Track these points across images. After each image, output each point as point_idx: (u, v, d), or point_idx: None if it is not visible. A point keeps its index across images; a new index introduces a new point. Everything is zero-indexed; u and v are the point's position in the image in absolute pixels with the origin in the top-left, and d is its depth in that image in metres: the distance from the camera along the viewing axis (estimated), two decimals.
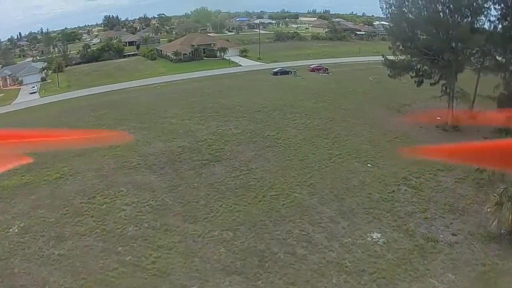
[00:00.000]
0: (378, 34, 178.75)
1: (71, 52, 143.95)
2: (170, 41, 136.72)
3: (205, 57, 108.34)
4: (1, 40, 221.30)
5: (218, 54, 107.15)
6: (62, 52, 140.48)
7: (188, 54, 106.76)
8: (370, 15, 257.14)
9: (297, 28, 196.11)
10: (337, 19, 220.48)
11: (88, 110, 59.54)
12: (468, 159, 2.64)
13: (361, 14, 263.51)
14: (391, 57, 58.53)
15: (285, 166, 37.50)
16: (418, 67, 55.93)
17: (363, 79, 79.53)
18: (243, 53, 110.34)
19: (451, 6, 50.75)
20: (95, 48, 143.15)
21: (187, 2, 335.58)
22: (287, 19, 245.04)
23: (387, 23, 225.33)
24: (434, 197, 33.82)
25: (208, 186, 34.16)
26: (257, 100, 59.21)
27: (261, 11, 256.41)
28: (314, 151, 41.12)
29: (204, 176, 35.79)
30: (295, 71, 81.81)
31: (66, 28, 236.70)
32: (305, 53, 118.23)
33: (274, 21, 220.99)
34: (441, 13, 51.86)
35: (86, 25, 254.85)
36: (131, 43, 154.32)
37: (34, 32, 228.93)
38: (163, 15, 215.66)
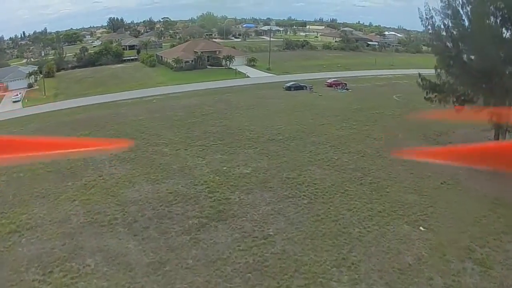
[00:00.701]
0: (390, 44, 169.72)
1: (68, 54, 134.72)
2: (172, 46, 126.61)
3: (209, 65, 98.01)
4: (4, 39, 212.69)
5: (223, 62, 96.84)
6: (57, 54, 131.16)
7: (190, 62, 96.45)
8: (377, 24, 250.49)
9: (305, 36, 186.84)
10: (345, 28, 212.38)
11: (68, 129, 49.54)
12: (455, 160, 3.28)
13: (368, 24, 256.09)
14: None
15: (314, 232, 27.04)
16: (463, 91, 45.86)
17: (387, 98, 70.12)
18: (251, 63, 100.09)
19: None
20: (92, 52, 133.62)
21: (193, 7, 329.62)
22: (294, 27, 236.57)
23: (399, 34, 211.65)
24: (507, 278, 23.68)
25: (208, 265, 23.76)
26: (269, 123, 49.30)
27: (268, 18, 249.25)
28: (350, 206, 30.68)
29: (203, 246, 25.38)
30: (311, 87, 71.80)
31: (71, 28, 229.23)
32: (318, 64, 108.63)
33: (281, 29, 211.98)
34: (493, 26, 41.66)
35: (91, 26, 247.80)
36: (131, 47, 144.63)
37: (39, 32, 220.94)
38: (167, 19, 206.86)
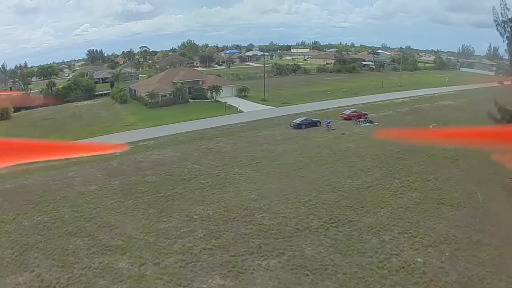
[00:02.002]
0: (385, 63, 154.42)
1: (34, 91, 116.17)
2: (150, 77, 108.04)
3: (192, 98, 78.89)
4: None
5: (208, 94, 77.95)
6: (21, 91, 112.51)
7: (168, 95, 77.32)
8: (361, 44, 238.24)
9: (293, 59, 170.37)
10: (332, 50, 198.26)
11: None
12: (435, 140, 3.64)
13: (350, 44, 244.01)
14: None
15: None
16: None
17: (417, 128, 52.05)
18: (242, 93, 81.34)
19: None
20: (60, 86, 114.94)
21: (174, 37, 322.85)
22: (278, 51, 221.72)
23: (388, 53, 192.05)
24: None
25: None
26: (289, 192, 31.93)
27: (250, 44, 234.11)
28: None
29: None
30: (328, 123, 53.58)
31: (53, 62, 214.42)
32: (320, 90, 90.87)
33: (267, 53, 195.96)
34: None
35: (72, 59, 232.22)
36: (105, 80, 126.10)
37: (19, 66, 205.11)
38: (145, 48, 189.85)
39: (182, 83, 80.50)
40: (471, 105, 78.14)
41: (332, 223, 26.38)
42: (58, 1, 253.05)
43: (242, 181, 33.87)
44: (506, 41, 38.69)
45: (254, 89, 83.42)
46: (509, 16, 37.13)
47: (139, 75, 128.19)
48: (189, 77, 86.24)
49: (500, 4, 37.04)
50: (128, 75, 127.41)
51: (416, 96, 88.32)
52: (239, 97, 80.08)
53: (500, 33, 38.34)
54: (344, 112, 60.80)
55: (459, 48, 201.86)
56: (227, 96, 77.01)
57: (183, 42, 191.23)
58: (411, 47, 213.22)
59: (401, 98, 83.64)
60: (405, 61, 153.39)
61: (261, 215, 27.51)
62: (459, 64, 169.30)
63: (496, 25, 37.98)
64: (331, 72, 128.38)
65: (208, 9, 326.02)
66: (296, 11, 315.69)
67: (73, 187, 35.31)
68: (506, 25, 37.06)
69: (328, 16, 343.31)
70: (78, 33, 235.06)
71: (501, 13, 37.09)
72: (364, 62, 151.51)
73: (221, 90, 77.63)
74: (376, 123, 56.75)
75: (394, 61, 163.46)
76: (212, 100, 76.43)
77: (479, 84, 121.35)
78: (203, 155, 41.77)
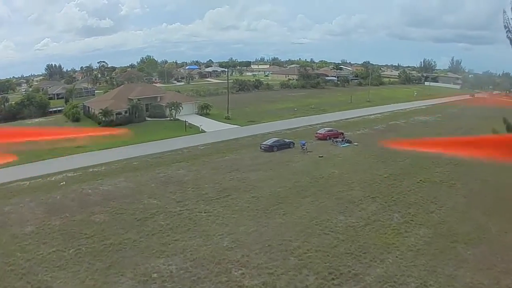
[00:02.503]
0: (350, 79, 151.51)
1: None
2: (106, 92, 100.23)
3: (149, 116, 72.06)
4: None
5: (167, 112, 71.11)
6: None
7: (124, 113, 70.22)
8: (320, 60, 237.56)
9: (254, 76, 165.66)
10: (292, 65, 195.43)
11: None
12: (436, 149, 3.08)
13: (309, 60, 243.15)
14: None
15: None
16: None
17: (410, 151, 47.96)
18: (204, 110, 74.88)
19: None
20: (13, 102, 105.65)
21: (133, 53, 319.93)
22: (238, 67, 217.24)
23: (349, 68, 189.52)
24: None
25: None
26: (272, 238, 25.99)
27: (209, 60, 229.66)
28: None
29: None
30: (303, 145, 47.99)
31: (13, 77, 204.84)
32: (285, 107, 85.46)
33: (227, 69, 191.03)
34: None
35: (32, 74, 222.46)
36: (59, 96, 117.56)
37: None
38: (104, 63, 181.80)
39: (138, 100, 73.38)
40: (448, 120, 74.71)
41: (333, 279, 20.47)
42: (19, 15, 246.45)
43: (210, 222, 27.50)
44: None
45: (216, 106, 77.20)
46: None
47: (96, 91, 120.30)
48: (146, 93, 79.21)
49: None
50: (84, 91, 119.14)
51: (388, 111, 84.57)
52: (201, 115, 73.72)
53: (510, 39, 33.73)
54: (318, 132, 55.51)
55: (421, 62, 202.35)
56: (187, 114, 70.60)
57: (142, 58, 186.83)
58: (371, 62, 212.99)
59: (373, 114, 79.77)
60: (369, 76, 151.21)
61: (240, 271, 21.22)
62: (423, 78, 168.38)
63: (506, 31, 33.39)
64: (295, 87, 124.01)
65: (168, 25, 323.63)
66: (256, 28, 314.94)
67: (7, 228, 28.15)
68: None
69: (288, 32, 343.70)
70: (39, 48, 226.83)
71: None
72: (327, 78, 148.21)
73: (181, 108, 71.00)
74: (355, 143, 51.77)
75: (357, 76, 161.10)
76: (171, 118, 69.72)
77: (449, 98, 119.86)
78: (161, 186, 35.16)
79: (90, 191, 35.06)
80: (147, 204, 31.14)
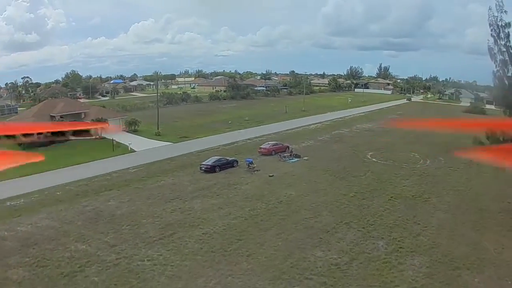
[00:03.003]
0: (280, 88, 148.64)
1: None
2: (28, 109, 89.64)
3: (73, 134, 62.80)
4: None
5: (93, 130, 62.83)
6: None
7: (46, 132, 60.92)
8: (243, 72, 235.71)
9: (180, 88, 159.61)
10: (218, 77, 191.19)
11: None
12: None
13: (233, 71, 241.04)
14: None
15: None
16: None
17: (363, 162, 44.89)
18: (132, 127, 67.16)
19: None
20: None
21: (59, 68, 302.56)
22: (163, 81, 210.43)
23: (276, 78, 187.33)
24: None
25: None
26: None
27: (134, 74, 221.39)
28: None
29: None
30: (250, 163, 42.24)
31: None
32: (218, 119, 79.53)
33: (152, 83, 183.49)
34: None
35: None
36: None
37: None
38: (28, 78, 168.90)
39: (61, 117, 64.87)
40: (391, 128, 71.98)
41: None
42: None
43: (158, 274, 20.71)
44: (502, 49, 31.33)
45: (145, 121, 69.76)
46: (507, 21, 30.46)
47: (19, 108, 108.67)
48: (69, 109, 70.41)
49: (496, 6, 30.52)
50: (6, 108, 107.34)
51: (328, 120, 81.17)
52: (129, 131, 66.17)
53: (494, 37, 31.06)
54: (262, 146, 49.90)
55: (347, 70, 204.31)
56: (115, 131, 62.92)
57: (67, 73, 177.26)
58: (296, 71, 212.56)
59: (312, 124, 75.68)
60: (298, 85, 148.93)
61: None
62: (353, 85, 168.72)
63: (491, 30, 30.83)
64: (224, 99, 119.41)
65: (93, 39, 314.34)
66: (180, 41, 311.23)
67: None
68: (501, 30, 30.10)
69: (211, 45, 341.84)
70: None
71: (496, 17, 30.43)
72: (256, 88, 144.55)
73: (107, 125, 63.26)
74: (305, 158, 46.82)
75: (286, 86, 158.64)
76: (97, 136, 61.69)
77: (385, 104, 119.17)
78: (90, 224, 27.84)
79: (6, 233, 27.03)
80: (74, 251, 23.95)
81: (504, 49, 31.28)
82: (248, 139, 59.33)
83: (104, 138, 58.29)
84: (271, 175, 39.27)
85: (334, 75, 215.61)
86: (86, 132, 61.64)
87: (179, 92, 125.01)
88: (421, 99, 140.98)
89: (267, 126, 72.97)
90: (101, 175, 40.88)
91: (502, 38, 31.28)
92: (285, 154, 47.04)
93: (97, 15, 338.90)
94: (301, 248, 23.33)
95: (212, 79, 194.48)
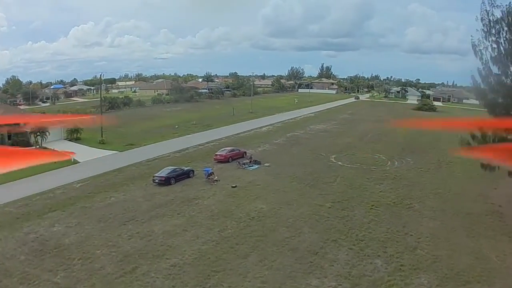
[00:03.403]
0: (223, 90, 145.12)
1: None
2: None
3: (12, 145, 56.10)
4: None
5: (32, 139, 56.26)
6: None
7: None
8: (182, 74, 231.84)
9: (121, 93, 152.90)
10: (159, 80, 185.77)
11: None
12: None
13: (173, 74, 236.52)
14: None
15: None
16: None
17: (329, 166, 42.37)
18: (73, 135, 60.82)
19: None
20: None
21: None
22: (104, 85, 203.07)
23: (217, 80, 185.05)
24: None
25: None
26: None
27: (74, 79, 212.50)
28: None
29: None
30: (209, 173, 37.94)
31: None
32: (164, 124, 74.26)
33: (92, 87, 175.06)
34: None
35: None
36: None
37: None
38: None
39: None
40: (347, 128, 69.97)
41: None
42: None
43: None
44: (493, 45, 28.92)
45: (87, 128, 63.83)
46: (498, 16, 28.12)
47: None
48: (7, 118, 63.36)
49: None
50: None
51: (279, 122, 78.26)
52: (70, 140, 59.88)
53: (485, 33, 28.72)
54: (218, 153, 45.62)
55: (289, 71, 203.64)
56: (55, 140, 56.39)
57: (7, 79, 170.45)
58: (237, 73, 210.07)
59: (263, 126, 72.38)
60: (241, 87, 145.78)
61: None
62: (297, 85, 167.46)
63: (482, 24, 28.39)
64: (168, 102, 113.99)
65: (33, 44, 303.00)
66: (119, 44, 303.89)
67: None
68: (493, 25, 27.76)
69: (151, 48, 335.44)
70: None
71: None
72: (200, 90, 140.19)
73: (48, 133, 56.76)
74: (266, 164, 43.11)
75: (229, 87, 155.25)
76: (38, 146, 55.36)
77: (332, 103, 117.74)
78: (35, 259, 22.37)
79: None
80: None
81: (495, 46, 28.97)
82: (200, 144, 54.94)
83: (45, 147, 52.46)
84: (233, 186, 35.20)
85: (274, 76, 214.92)
86: (26, 141, 55.51)
87: (120, 96, 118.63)
88: (367, 98, 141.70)
89: (217, 130, 68.89)
90: (42, 192, 35.01)
91: (493, 34, 29.03)
92: (244, 161, 43.15)
93: (38, 19, 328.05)
94: (292, 277, 19.50)
95: (153, 82, 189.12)
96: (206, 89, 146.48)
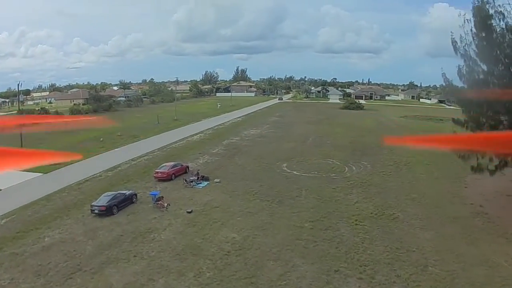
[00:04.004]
0: (142, 97, 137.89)
1: None
2: None
3: None
4: None
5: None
6: None
7: None
8: (96, 83, 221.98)
9: (37, 104, 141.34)
10: (74, 90, 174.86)
11: None
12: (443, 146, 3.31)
13: (87, 83, 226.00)
14: None
15: None
16: None
17: (286, 177, 39.19)
18: None
19: None
20: None
21: None
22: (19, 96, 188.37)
23: (133, 88, 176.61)
24: None
25: None
26: None
27: None
28: None
29: None
30: (158, 197, 32.13)
31: None
32: (87, 137, 65.77)
33: (7, 100, 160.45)
34: None
35: None
36: None
37: None
38: None
39: None
40: (283, 132, 66.36)
41: None
42: None
43: None
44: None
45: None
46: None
47: None
48: None
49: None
50: None
51: (208, 129, 73.31)
52: None
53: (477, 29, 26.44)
54: (159, 170, 39.35)
55: (203, 75, 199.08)
56: None
57: None
58: (149, 80, 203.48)
59: (194, 134, 67.09)
60: (159, 93, 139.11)
61: None
62: (214, 89, 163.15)
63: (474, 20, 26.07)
64: (86, 113, 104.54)
65: None
66: (32, 55, 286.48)
67: None
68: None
69: (63, 57, 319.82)
70: None
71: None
72: (118, 98, 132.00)
73: None
74: (216, 180, 37.95)
75: (145, 95, 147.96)
76: None
77: (255, 106, 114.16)
78: None
79: None
80: None
81: (485, 42, 26.54)
82: (132, 159, 48.49)
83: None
84: (189, 211, 29.66)
85: (187, 81, 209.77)
86: None
87: (36, 108, 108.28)
88: (289, 99, 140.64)
89: (145, 141, 62.50)
90: None
91: (485, 29, 26.74)
92: (191, 178, 37.22)
93: None
94: None
95: (67, 92, 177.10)
96: (123, 97, 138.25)
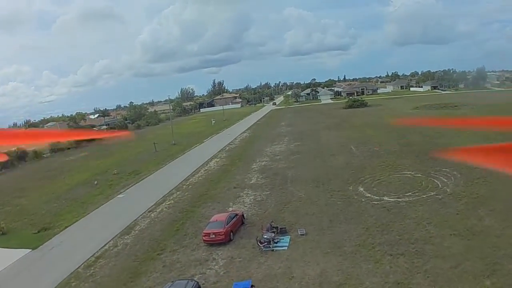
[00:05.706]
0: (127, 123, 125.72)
1: None
2: None
3: None
4: None
5: None
6: None
7: None
8: (70, 114, 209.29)
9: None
10: (50, 124, 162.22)
11: None
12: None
13: (60, 115, 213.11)
14: None
15: None
16: None
17: (368, 206, 25.54)
18: None
19: None
20: None
21: None
22: None
23: (113, 115, 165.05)
24: None
25: None
26: None
27: None
28: None
29: None
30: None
31: None
32: (78, 181, 51.40)
33: None
34: None
35: None
36: None
37: None
38: None
39: None
40: (313, 143, 54.51)
41: None
42: None
43: None
44: None
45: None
46: None
47: None
48: None
49: None
50: None
51: (220, 151, 61.14)
52: None
53: None
54: (211, 230, 24.90)
55: (178, 93, 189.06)
56: None
57: None
58: (134, 103, 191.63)
59: (208, 160, 54.05)
60: (142, 117, 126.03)
61: None
62: (198, 105, 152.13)
63: None
64: (68, 148, 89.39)
65: None
66: (4, 92, 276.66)
67: None
68: None
69: (35, 92, 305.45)
70: None
71: None
72: (100, 127, 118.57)
73: None
74: (301, 231, 24.67)
75: (127, 120, 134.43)
76: None
77: (251, 116, 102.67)
78: None
79: None
80: None
81: None
82: (148, 210, 34.72)
83: None
84: None
85: (162, 101, 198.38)
86: None
87: (15, 150, 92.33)
88: (280, 105, 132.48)
89: (151, 178, 48.92)
90: None
91: None
92: (266, 236, 23.47)
93: None
94: None
95: (43, 127, 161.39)
96: (104, 125, 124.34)
